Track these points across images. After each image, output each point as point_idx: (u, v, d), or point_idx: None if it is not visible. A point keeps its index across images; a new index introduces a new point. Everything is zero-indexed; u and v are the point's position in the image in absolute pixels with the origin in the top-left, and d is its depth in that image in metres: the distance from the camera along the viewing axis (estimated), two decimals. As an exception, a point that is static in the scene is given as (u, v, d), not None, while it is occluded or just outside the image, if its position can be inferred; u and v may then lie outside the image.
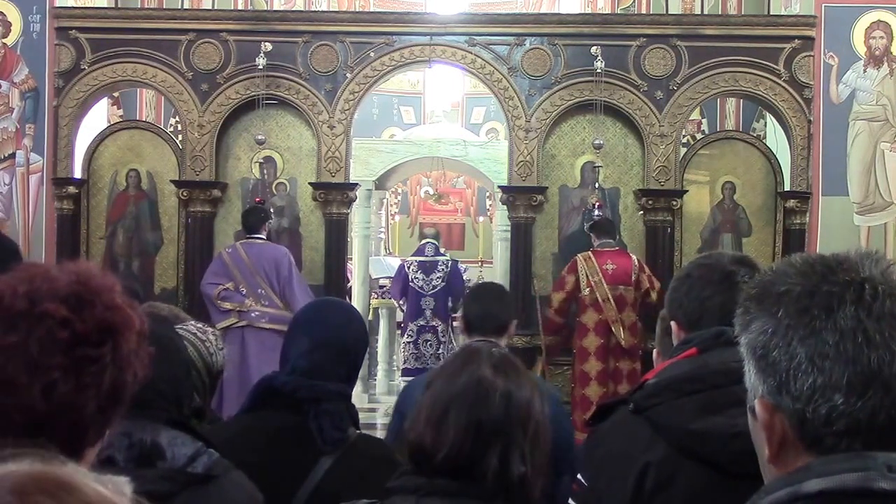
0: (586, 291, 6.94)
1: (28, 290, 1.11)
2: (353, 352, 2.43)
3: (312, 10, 13.18)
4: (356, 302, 9.81)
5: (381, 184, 10.69)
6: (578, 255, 7.10)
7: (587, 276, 6.92)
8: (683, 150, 8.11)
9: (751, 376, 1.06)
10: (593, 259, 6.98)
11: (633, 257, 7.13)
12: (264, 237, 7.02)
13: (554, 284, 7.31)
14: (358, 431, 2.37)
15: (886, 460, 0.96)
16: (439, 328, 9.13)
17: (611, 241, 7.11)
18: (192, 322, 2.58)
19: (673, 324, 2.00)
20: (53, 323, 1.09)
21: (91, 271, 1.17)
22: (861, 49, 7.69)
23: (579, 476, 1.79)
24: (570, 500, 1.80)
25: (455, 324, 9.24)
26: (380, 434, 7.19)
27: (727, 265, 1.93)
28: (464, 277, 9.39)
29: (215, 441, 2.03)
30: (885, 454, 0.97)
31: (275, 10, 11.82)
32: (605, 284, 6.87)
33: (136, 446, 1.75)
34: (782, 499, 0.99)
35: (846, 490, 0.95)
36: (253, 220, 6.99)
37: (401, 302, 9.35)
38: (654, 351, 2.56)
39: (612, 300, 6.85)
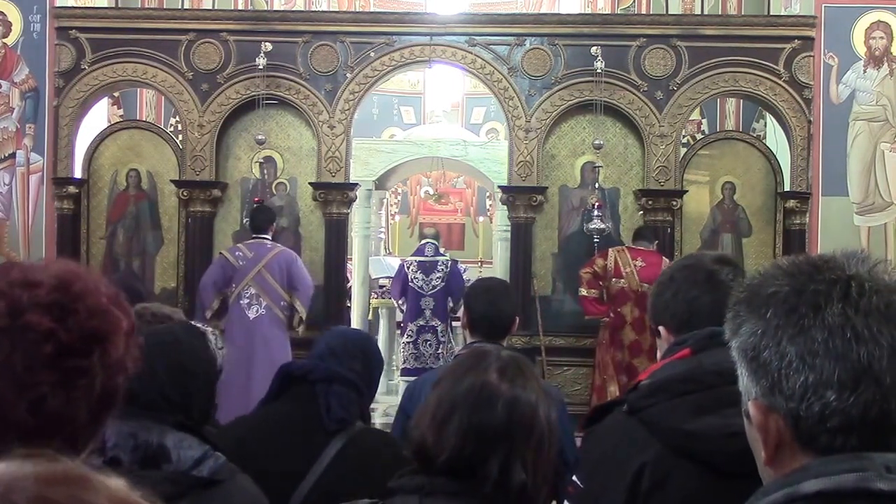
0: (612, 281, 7.03)
1: (8, 303, 1.06)
2: (367, 350, 2.59)
3: (312, 10, 13.18)
4: (356, 302, 9.82)
5: (381, 184, 10.69)
6: (612, 248, 7.24)
7: (620, 265, 7.00)
8: (683, 151, 8.10)
9: (744, 379, 1.07)
10: (626, 252, 7.14)
11: (665, 259, 7.15)
12: (270, 237, 7.01)
13: (584, 265, 7.31)
14: (366, 425, 2.46)
15: (884, 461, 0.96)
16: (439, 328, 9.13)
17: (647, 244, 7.21)
18: (192, 322, 2.60)
19: (661, 329, 2.00)
20: (36, 336, 1.04)
21: (73, 273, 1.11)
22: (861, 49, 7.69)
23: (574, 477, 1.79)
24: (566, 502, 1.80)
25: (455, 324, 9.24)
26: (379, 434, 7.19)
27: (709, 264, 1.94)
28: (464, 277, 9.38)
29: (231, 435, 2.04)
30: (882, 454, 0.97)
31: (275, 10, 11.82)
32: (637, 276, 6.95)
33: (142, 448, 1.74)
34: (779, 500, 0.99)
35: (844, 491, 0.95)
36: (261, 219, 6.99)
37: (400, 302, 9.34)
38: (659, 352, 2.56)
39: (641, 291, 6.93)
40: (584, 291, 7.22)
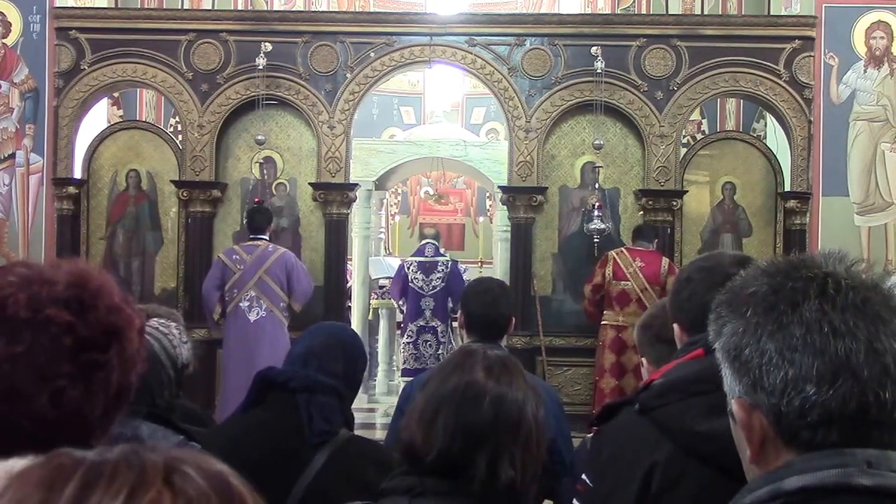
0: (613, 283, 7.07)
1: (28, 297, 1.08)
2: (349, 349, 2.51)
3: (312, 10, 13.18)
4: (356, 302, 9.81)
5: (381, 184, 10.68)
6: (611, 251, 7.24)
7: (621, 266, 7.04)
8: (683, 151, 8.10)
9: (727, 379, 1.09)
10: (626, 253, 7.15)
11: (665, 260, 7.18)
12: (268, 238, 7.03)
13: (587, 279, 7.36)
14: (351, 433, 2.38)
15: (865, 456, 0.98)
16: (439, 329, 9.11)
17: (646, 243, 7.22)
18: (155, 319, 2.58)
19: (676, 326, 2.01)
20: (57, 329, 1.07)
21: (88, 271, 1.15)
22: (861, 49, 7.68)
23: (584, 476, 1.79)
24: (575, 501, 1.80)
25: (455, 324, 9.24)
26: (379, 433, 7.18)
27: (728, 268, 1.92)
28: (464, 278, 9.37)
29: (216, 443, 2.04)
30: (863, 450, 0.98)
31: (275, 10, 11.82)
32: (641, 276, 6.99)
33: (117, 440, 1.76)
34: (763, 496, 1.00)
35: (826, 487, 0.97)
36: (260, 220, 7.01)
37: (400, 302, 9.33)
38: (644, 360, 2.54)
39: (649, 291, 6.93)
40: (588, 308, 7.30)
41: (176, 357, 2.46)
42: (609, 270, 7.10)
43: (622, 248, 7.28)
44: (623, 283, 7.07)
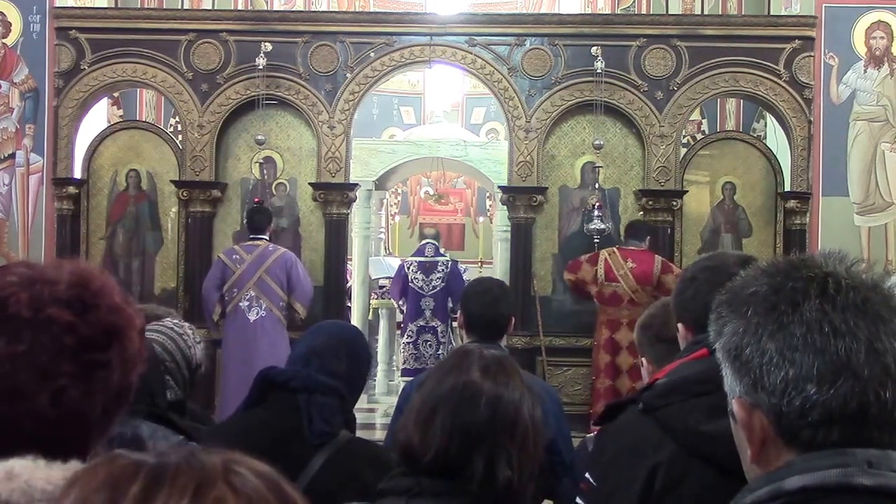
0: (605, 285, 7.06)
1: (30, 296, 1.08)
2: (352, 348, 2.50)
3: (312, 10, 13.17)
4: (356, 302, 9.82)
5: (381, 184, 10.69)
6: (603, 250, 7.19)
7: (612, 268, 7.02)
8: (683, 151, 8.10)
9: (728, 379, 1.09)
10: (617, 254, 7.11)
11: (657, 259, 7.12)
12: (268, 237, 7.04)
13: (568, 264, 7.34)
14: (351, 434, 2.38)
15: (866, 456, 0.98)
16: (439, 329, 9.12)
17: (638, 242, 7.17)
18: (169, 318, 2.60)
19: (680, 325, 2.01)
20: (59, 329, 1.07)
21: (89, 271, 1.15)
22: (861, 49, 7.68)
23: (588, 475, 1.79)
24: (579, 500, 1.80)
25: (454, 325, 9.25)
26: (379, 434, 7.18)
27: (732, 267, 1.93)
28: (464, 278, 9.38)
29: (215, 442, 2.04)
30: (864, 450, 0.98)
31: (275, 10, 11.81)
32: (631, 277, 6.95)
33: (117, 440, 1.77)
34: (764, 496, 1.00)
35: (827, 486, 0.97)
36: (260, 220, 7.02)
37: (400, 302, 9.34)
38: (644, 360, 2.54)
39: (640, 292, 6.92)
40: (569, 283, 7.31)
41: (191, 357, 2.47)
42: (601, 271, 7.06)
43: (614, 249, 7.18)
44: (614, 284, 7.02)
